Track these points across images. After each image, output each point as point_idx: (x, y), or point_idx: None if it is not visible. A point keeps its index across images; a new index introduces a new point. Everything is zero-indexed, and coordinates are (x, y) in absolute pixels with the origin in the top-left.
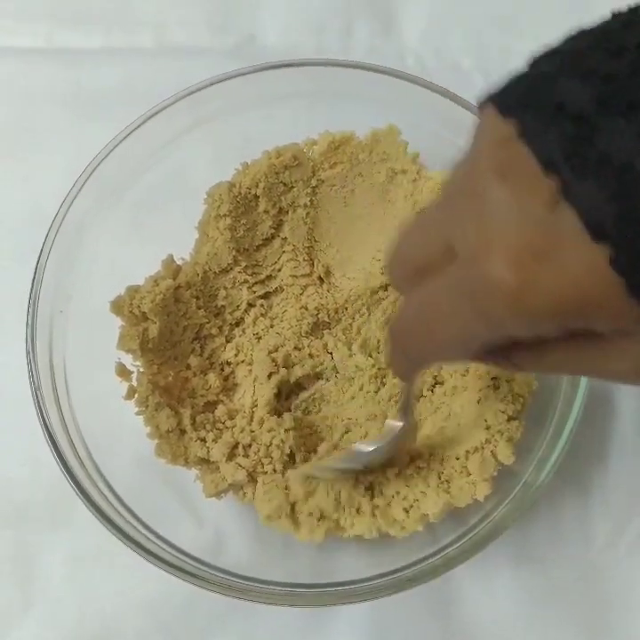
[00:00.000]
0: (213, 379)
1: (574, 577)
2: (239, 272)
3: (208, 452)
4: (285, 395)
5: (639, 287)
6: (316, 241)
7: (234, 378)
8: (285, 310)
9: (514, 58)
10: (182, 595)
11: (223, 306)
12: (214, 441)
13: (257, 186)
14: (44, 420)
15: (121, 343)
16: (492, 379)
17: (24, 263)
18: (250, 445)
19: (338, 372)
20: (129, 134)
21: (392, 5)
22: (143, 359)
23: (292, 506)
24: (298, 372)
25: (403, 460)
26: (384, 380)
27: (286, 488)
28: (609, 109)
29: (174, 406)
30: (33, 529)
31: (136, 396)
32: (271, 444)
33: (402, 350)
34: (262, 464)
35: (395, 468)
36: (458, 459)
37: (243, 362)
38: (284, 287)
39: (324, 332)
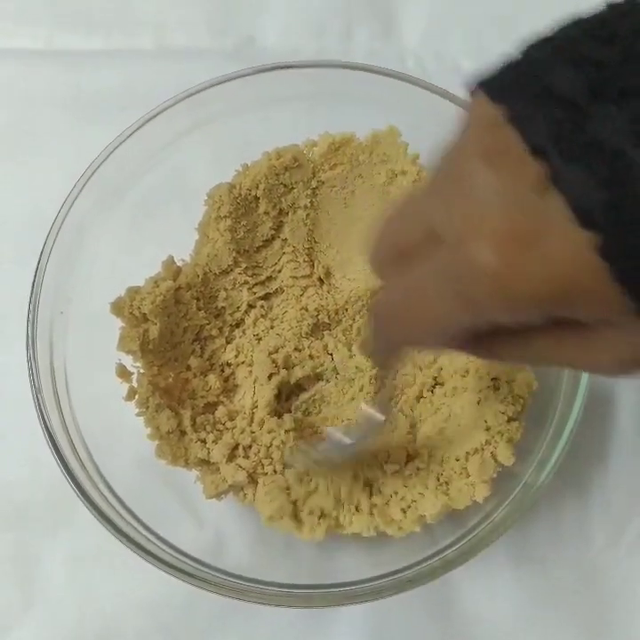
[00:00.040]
0: (214, 380)
1: (574, 577)
2: (239, 273)
3: (208, 453)
4: (285, 396)
5: (626, 275)
6: (316, 242)
7: (234, 379)
8: (286, 311)
9: None
10: (182, 595)
11: (223, 307)
12: (214, 442)
13: (257, 187)
14: (44, 421)
15: (121, 344)
16: (493, 380)
17: (24, 265)
18: (250, 446)
19: (338, 374)
20: (129, 136)
21: (392, 7)
22: (143, 360)
23: (294, 506)
24: (298, 373)
25: (399, 454)
26: (384, 381)
27: (287, 488)
28: (600, 96)
29: (174, 407)
30: (33, 529)
31: (136, 397)
32: (271, 445)
33: (385, 336)
34: (262, 465)
35: (395, 464)
36: (458, 460)
37: (243, 363)
38: (285, 288)
39: (325, 333)
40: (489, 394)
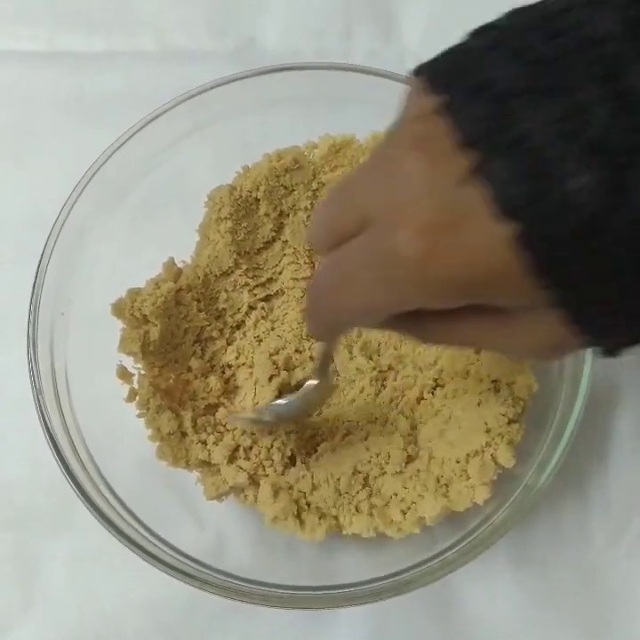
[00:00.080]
0: (214, 381)
1: (575, 579)
2: (240, 275)
3: (209, 454)
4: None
5: (543, 265)
6: None
7: (235, 380)
8: (286, 313)
9: None
10: (183, 596)
11: (224, 308)
12: (215, 443)
13: (258, 189)
14: (45, 422)
15: (122, 346)
16: (493, 382)
17: (25, 266)
18: (251, 448)
19: (338, 375)
20: (129, 138)
21: (392, 7)
22: (144, 362)
23: (297, 505)
24: (299, 374)
25: (399, 456)
26: (385, 382)
27: (290, 488)
28: (531, 91)
29: (175, 409)
30: (33, 529)
31: (137, 398)
32: (272, 446)
33: (316, 312)
34: (263, 467)
35: (395, 465)
36: (458, 462)
37: (243, 364)
38: (285, 290)
39: None
40: (489, 396)
